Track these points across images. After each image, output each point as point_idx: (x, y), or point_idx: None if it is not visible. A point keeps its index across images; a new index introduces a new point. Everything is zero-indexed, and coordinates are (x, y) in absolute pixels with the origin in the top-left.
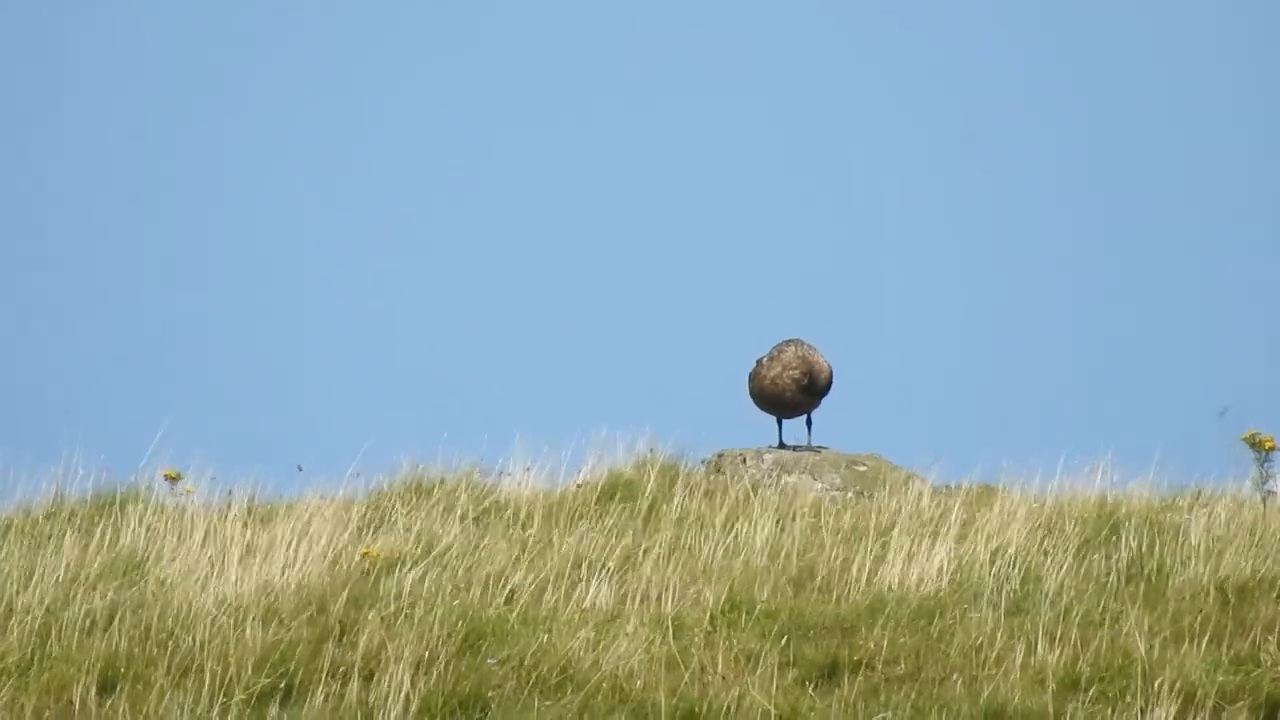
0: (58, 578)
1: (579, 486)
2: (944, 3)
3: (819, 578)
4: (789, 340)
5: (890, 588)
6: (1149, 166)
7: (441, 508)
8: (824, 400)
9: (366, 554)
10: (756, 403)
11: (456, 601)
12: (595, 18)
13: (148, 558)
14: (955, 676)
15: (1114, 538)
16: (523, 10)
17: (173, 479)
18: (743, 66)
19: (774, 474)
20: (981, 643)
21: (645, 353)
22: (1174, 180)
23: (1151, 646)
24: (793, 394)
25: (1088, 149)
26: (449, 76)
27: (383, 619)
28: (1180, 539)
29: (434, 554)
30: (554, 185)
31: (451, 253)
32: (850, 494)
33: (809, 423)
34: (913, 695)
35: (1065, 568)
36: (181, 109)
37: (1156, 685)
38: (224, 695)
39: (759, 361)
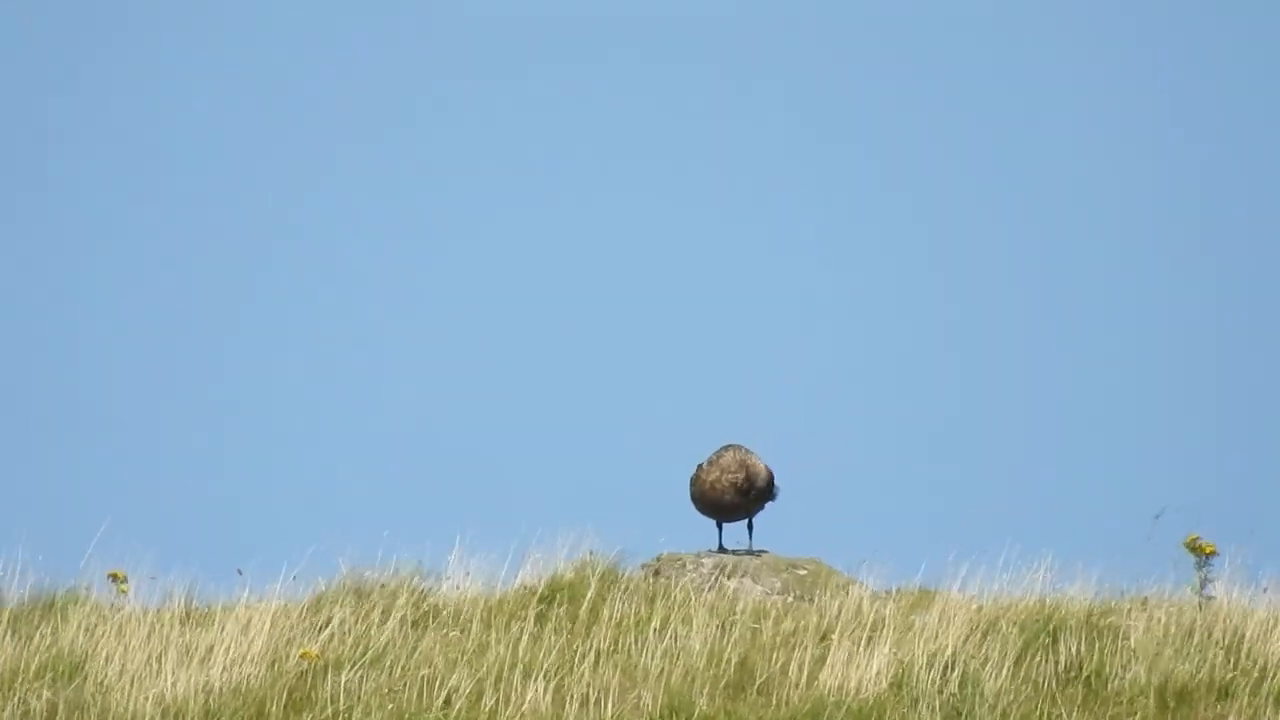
0: None
1: (519, 590)
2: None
3: (758, 681)
4: (728, 445)
5: (830, 691)
6: (1089, 267)
7: (380, 610)
8: (767, 504)
9: (304, 655)
10: (697, 507)
11: (393, 705)
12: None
13: (86, 658)
14: None
15: (1053, 641)
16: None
17: (117, 579)
18: (683, 162)
19: (714, 577)
20: None
21: (588, 454)
22: (1117, 276)
23: None
24: (731, 498)
25: (1030, 248)
26: (400, 158)
27: None
28: (1120, 642)
29: (371, 655)
30: (495, 282)
31: (392, 353)
32: (791, 597)
33: (750, 526)
34: None
35: (1004, 671)
36: (114, 195)
37: None
38: None
39: (699, 466)
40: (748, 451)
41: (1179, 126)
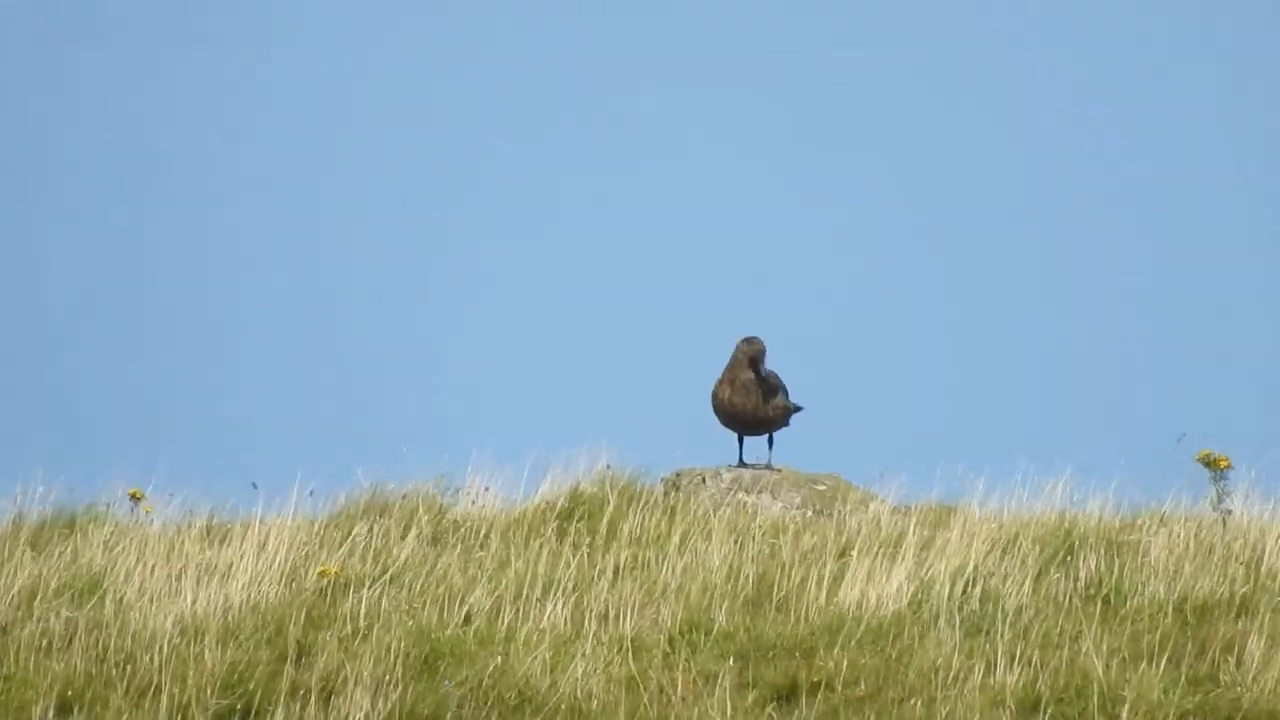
0: (14, 597)
1: (538, 505)
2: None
3: (777, 598)
4: (745, 339)
5: (849, 608)
6: (1113, 195)
7: (399, 526)
8: (790, 420)
9: (323, 573)
10: (720, 420)
11: (413, 623)
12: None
13: (105, 576)
14: (914, 698)
15: (1072, 558)
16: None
17: (137, 498)
18: (719, 87)
19: (733, 493)
20: (940, 664)
21: (608, 368)
22: (1142, 205)
23: (1109, 666)
24: (746, 406)
25: (1055, 175)
26: (414, 109)
27: (340, 640)
28: (1139, 559)
29: (390, 573)
30: (516, 199)
31: (412, 270)
32: (810, 513)
33: (770, 441)
34: (872, 716)
35: (1024, 588)
36: (163, 134)
37: (1115, 706)
38: (183, 717)
39: (718, 378)
40: (750, 354)
41: (1171, 76)
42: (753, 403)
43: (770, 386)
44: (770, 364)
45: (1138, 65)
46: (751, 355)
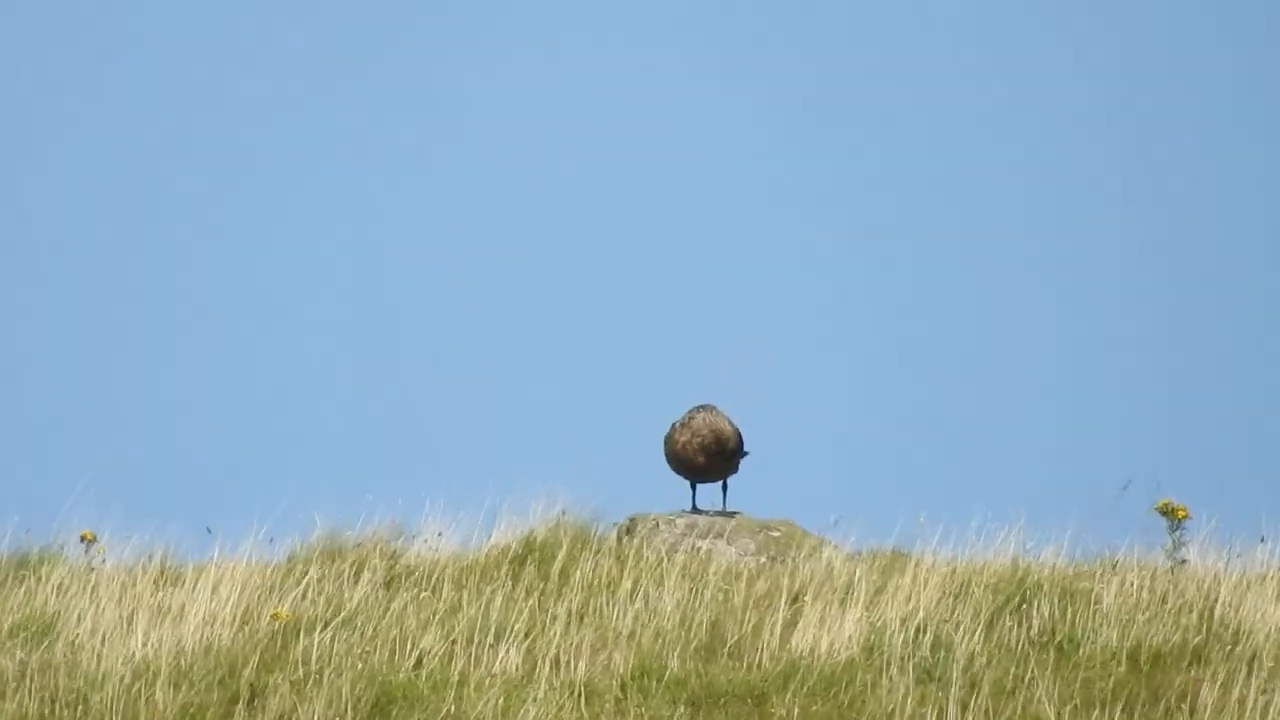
0: None
1: (491, 550)
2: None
3: (730, 644)
4: (699, 406)
5: (802, 655)
6: (1069, 241)
7: (352, 570)
8: (741, 464)
9: (275, 616)
10: (671, 466)
11: (365, 666)
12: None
13: (58, 618)
14: None
15: (1026, 605)
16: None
17: (89, 540)
18: (676, 124)
19: (687, 538)
20: (893, 710)
21: (563, 414)
22: (1099, 251)
23: (1062, 714)
24: (701, 460)
25: (1005, 218)
26: (368, 133)
27: (292, 683)
28: (1092, 606)
29: (343, 616)
30: (467, 244)
31: (366, 313)
32: (764, 559)
33: (724, 487)
34: None
35: (977, 634)
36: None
37: None
38: None
39: (673, 426)
40: (718, 413)
41: (1151, 92)
42: (706, 458)
43: (727, 454)
44: (725, 410)
45: (1107, 96)
46: (704, 446)
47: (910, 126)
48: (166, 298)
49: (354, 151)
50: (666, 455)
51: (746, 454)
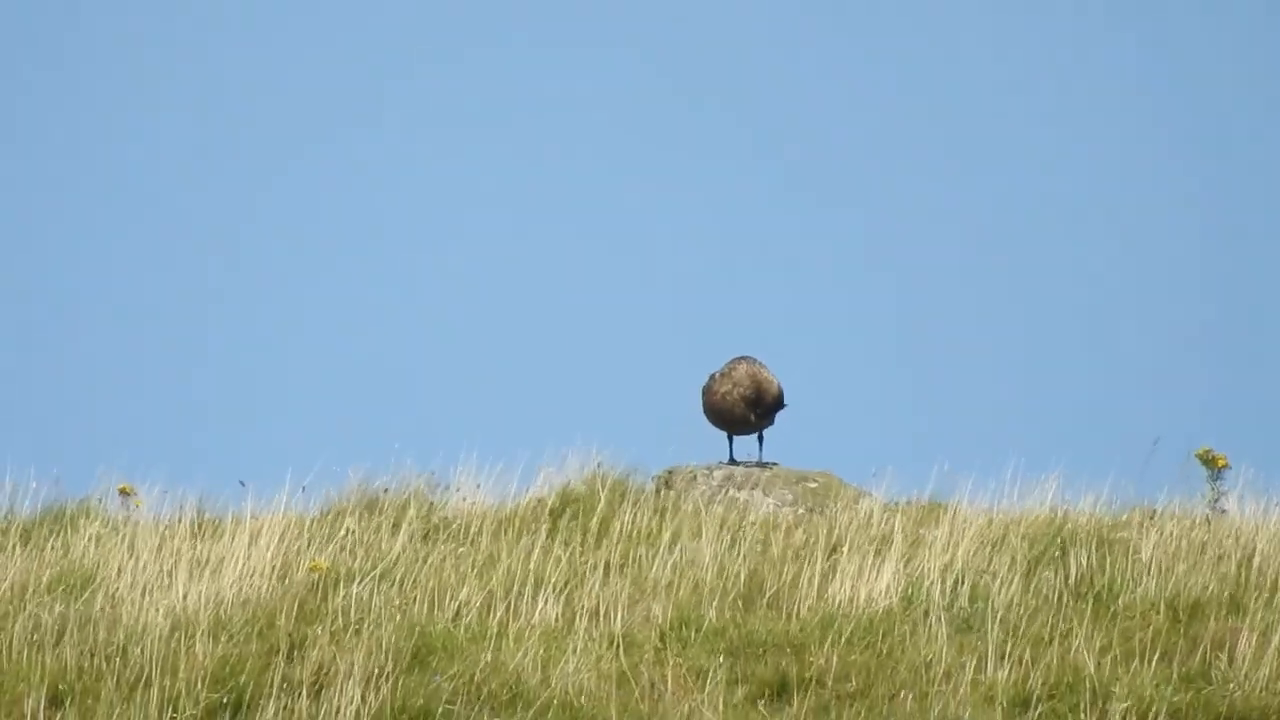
0: (6, 591)
1: (529, 503)
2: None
3: (768, 594)
4: (740, 357)
5: (840, 605)
6: (1105, 198)
7: (390, 522)
8: (777, 417)
9: (314, 568)
10: (709, 418)
11: (404, 618)
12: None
13: (97, 571)
14: (905, 694)
15: (1063, 554)
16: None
17: (127, 493)
18: (709, 90)
19: (724, 490)
20: (931, 660)
21: (601, 367)
22: (1134, 207)
23: (1101, 664)
24: (741, 411)
25: (1042, 171)
26: (417, 113)
27: (331, 634)
28: (1130, 556)
29: (381, 569)
30: (510, 202)
31: (405, 266)
32: (801, 510)
33: (760, 439)
34: (863, 712)
35: (1014, 584)
36: (144, 119)
37: (1106, 703)
38: (173, 710)
39: (711, 377)
40: (760, 365)
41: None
42: (746, 407)
43: (767, 407)
44: (763, 361)
45: (1126, 85)
46: (746, 397)
47: (959, 86)
48: (206, 254)
49: (408, 113)
50: (705, 407)
51: (785, 406)
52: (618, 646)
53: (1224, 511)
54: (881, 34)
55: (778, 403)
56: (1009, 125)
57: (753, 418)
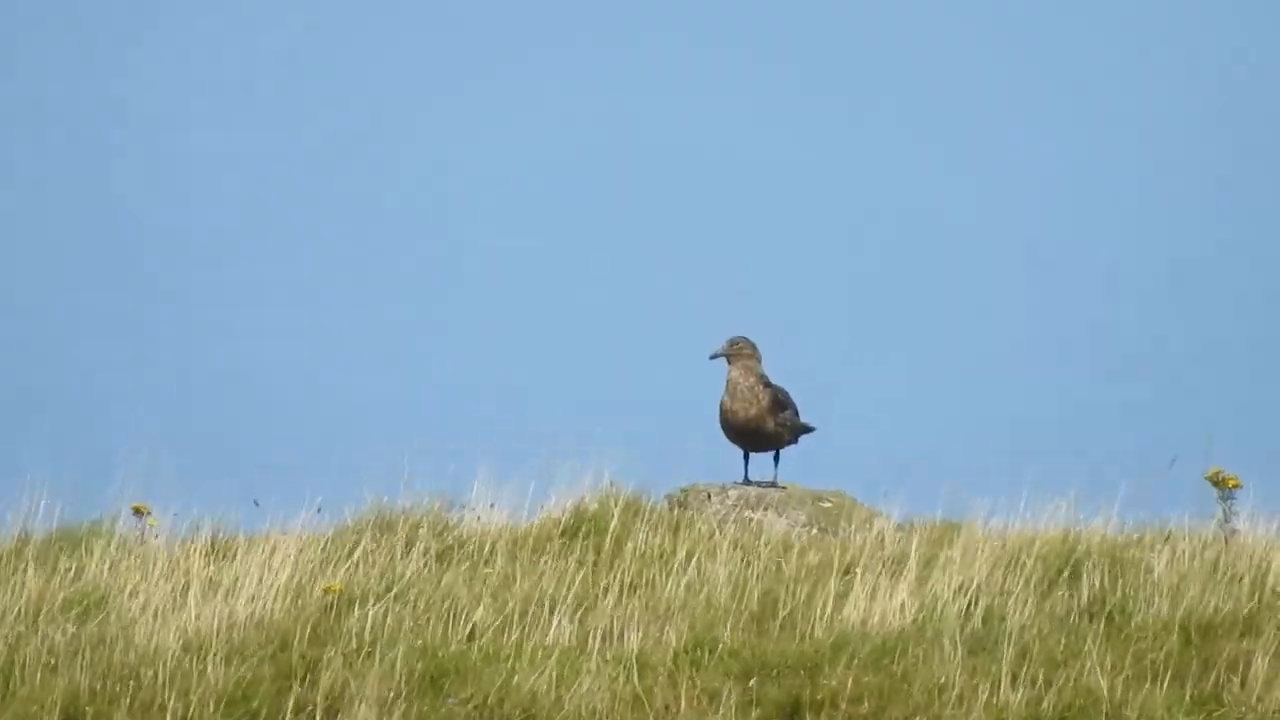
0: (20, 613)
1: (543, 522)
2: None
3: (782, 615)
4: (734, 338)
5: (853, 626)
6: (1118, 208)
7: (404, 543)
8: (799, 438)
9: (329, 589)
10: (726, 435)
11: (419, 641)
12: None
13: (110, 592)
14: (919, 716)
15: (1076, 575)
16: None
17: (141, 512)
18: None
19: (738, 510)
20: (945, 682)
21: (615, 385)
22: (1147, 218)
23: (1114, 685)
24: (753, 409)
25: (1052, 185)
26: (395, 105)
27: (345, 657)
28: (1143, 577)
29: (395, 590)
30: (514, 205)
31: (415, 284)
32: (815, 530)
33: (776, 458)
34: None
35: (1028, 605)
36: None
37: None
38: None
39: (723, 395)
40: (747, 369)
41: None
42: (755, 410)
43: (776, 399)
44: (778, 380)
45: (1127, 78)
46: (728, 353)
47: (977, 76)
48: (222, 273)
49: (420, 119)
50: (721, 423)
51: (812, 429)
52: (632, 668)
53: (1235, 531)
54: (883, 35)
55: (776, 404)
56: (1023, 137)
57: (767, 425)
